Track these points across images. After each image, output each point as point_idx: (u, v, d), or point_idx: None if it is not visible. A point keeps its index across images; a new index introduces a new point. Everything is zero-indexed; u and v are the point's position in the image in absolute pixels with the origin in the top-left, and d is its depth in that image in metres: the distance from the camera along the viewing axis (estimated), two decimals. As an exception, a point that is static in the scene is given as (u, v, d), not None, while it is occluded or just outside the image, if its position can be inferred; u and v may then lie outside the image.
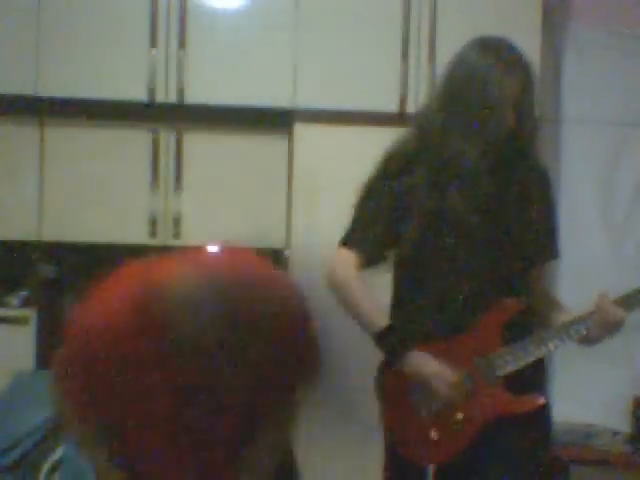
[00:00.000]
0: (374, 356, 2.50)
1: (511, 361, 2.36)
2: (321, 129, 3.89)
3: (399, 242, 2.45)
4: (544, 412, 2.43)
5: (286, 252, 3.94)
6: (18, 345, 3.87)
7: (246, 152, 4.03)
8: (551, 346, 2.38)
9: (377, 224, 2.44)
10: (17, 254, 4.16)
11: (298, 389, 1.95)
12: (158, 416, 1.69)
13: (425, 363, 2.36)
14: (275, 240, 3.95)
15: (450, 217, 2.37)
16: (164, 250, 1.41)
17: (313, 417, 3.69)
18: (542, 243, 2.48)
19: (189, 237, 3.97)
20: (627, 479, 3.92)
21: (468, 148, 2.33)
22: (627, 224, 4.21)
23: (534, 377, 2.43)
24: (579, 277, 3.86)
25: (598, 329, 2.35)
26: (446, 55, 2.50)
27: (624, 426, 4.04)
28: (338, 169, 3.79)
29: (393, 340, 2.40)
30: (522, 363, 2.36)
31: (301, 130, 3.89)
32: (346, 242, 2.49)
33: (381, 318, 2.43)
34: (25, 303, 4.02)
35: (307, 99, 3.88)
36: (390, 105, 3.85)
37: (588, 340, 2.40)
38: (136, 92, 3.86)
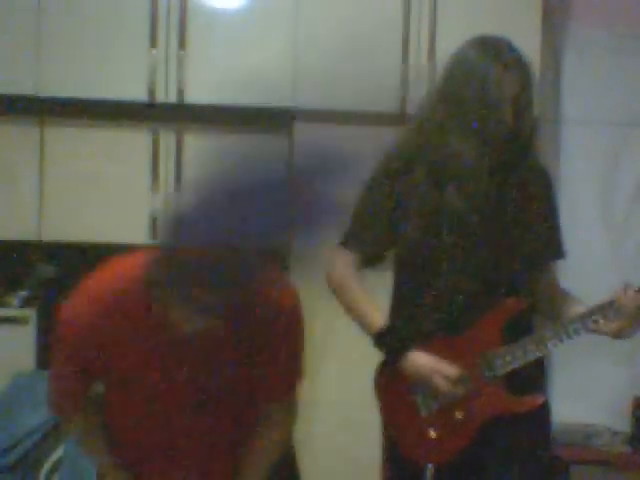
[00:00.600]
0: (374, 356, 2.50)
1: (511, 361, 2.36)
2: (321, 129, 3.88)
3: (398, 242, 2.45)
4: (544, 412, 2.43)
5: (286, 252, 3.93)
6: (18, 345, 3.88)
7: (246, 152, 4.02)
8: (550, 345, 2.38)
9: (376, 224, 2.44)
10: (17, 254, 4.16)
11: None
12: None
13: (425, 361, 2.36)
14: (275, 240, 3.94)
15: (450, 217, 2.37)
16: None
17: (313, 417, 3.70)
18: (543, 242, 2.48)
19: (189, 237, 3.96)
20: (627, 479, 3.92)
21: (467, 147, 2.33)
22: (627, 224, 4.21)
23: (534, 377, 2.43)
24: (579, 277, 3.86)
25: (621, 320, 2.32)
26: (446, 55, 2.50)
27: (624, 426, 4.04)
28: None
29: (392, 340, 2.40)
30: (522, 362, 2.36)
31: (301, 130, 3.89)
32: (345, 242, 2.49)
33: (380, 318, 2.43)
34: (25, 303, 4.03)
35: (307, 99, 3.88)
36: (390, 105, 3.85)
37: (613, 331, 2.32)
38: (136, 92, 3.86)
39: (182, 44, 3.87)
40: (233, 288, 1.71)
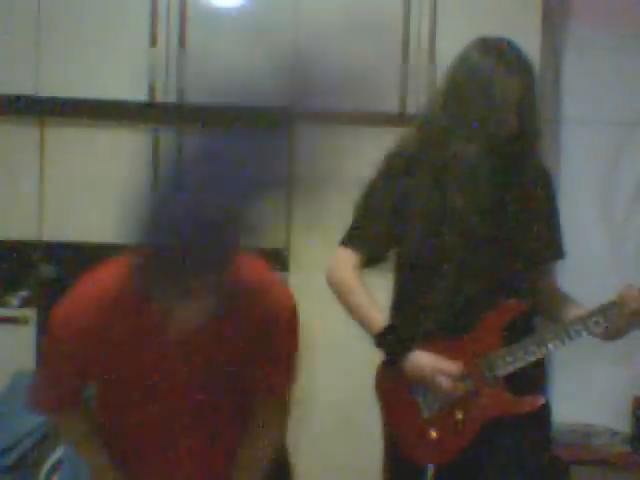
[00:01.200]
0: (374, 356, 2.51)
1: (511, 361, 2.37)
2: (321, 129, 3.88)
3: (400, 242, 2.45)
4: (544, 412, 2.43)
5: (286, 252, 3.93)
6: (18, 345, 3.87)
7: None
8: (551, 346, 2.38)
9: (378, 224, 2.45)
10: (17, 254, 4.15)
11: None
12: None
13: (426, 361, 2.36)
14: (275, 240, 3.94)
15: (451, 217, 2.37)
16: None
17: (313, 417, 3.70)
18: (545, 243, 2.48)
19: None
20: (627, 479, 3.92)
21: (470, 148, 2.33)
22: (627, 224, 4.21)
23: (534, 377, 2.43)
24: (579, 277, 3.86)
25: (622, 320, 2.32)
26: (446, 55, 2.50)
27: (624, 426, 4.04)
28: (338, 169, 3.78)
29: (393, 340, 2.40)
30: (522, 363, 2.37)
31: (301, 130, 3.89)
32: (347, 242, 2.49)
33: (381, 318, 2.44)
34: (25, 303, 4.02)
35: (307, 99, 3.87)
36: (390, 105, 3.85)
37: (610, 333, 2.34)
38: (136, 92, 3.86)
39: (182, 44, 3.86)
40: (216, 247, 1.72)
